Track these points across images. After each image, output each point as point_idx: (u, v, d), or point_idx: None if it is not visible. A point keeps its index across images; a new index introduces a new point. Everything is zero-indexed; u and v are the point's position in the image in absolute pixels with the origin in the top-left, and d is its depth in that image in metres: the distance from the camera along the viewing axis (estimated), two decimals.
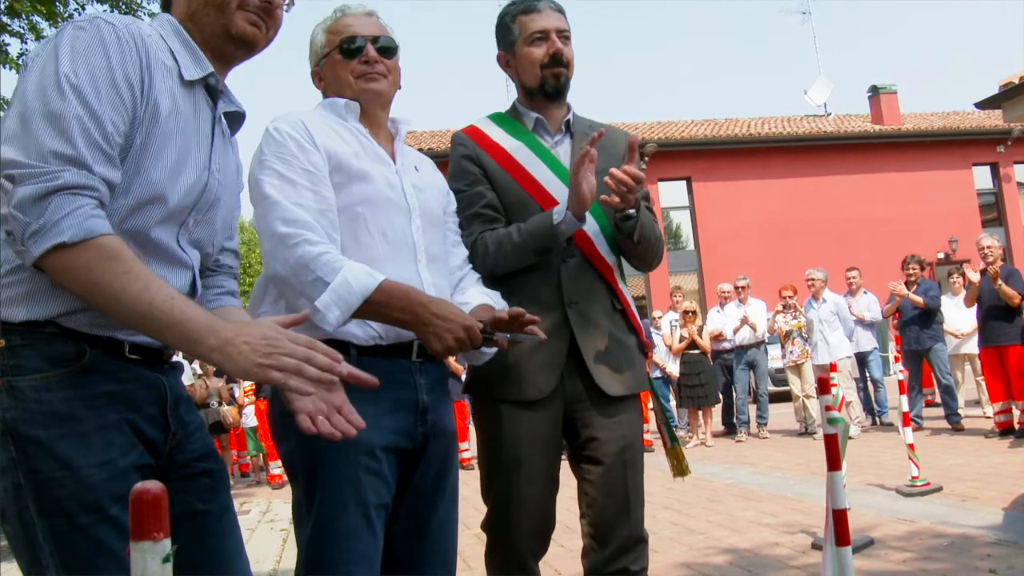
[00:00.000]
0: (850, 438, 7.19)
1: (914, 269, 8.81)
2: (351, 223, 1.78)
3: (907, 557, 3.87)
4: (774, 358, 11.15)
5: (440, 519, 1.87)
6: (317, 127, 1.80)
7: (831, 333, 8.97)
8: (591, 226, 2.16)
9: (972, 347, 8.67)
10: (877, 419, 9.52)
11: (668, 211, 21.06)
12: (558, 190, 2.17)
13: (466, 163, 2.21)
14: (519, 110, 2.29)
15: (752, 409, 10.18)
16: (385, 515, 1.76)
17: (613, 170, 2.02)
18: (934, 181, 21.43)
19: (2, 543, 5.71)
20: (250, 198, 1.78)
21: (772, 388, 11.13)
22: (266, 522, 6.77)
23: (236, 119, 1.63)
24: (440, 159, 2.04)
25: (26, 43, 7.56)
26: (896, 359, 6.50)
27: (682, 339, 9.69)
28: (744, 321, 9.78)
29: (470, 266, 2.08)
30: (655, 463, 4.20)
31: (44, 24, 7.39)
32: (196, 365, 12.61)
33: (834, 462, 2.40)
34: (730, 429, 10.12)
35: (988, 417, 8.32)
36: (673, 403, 10.41)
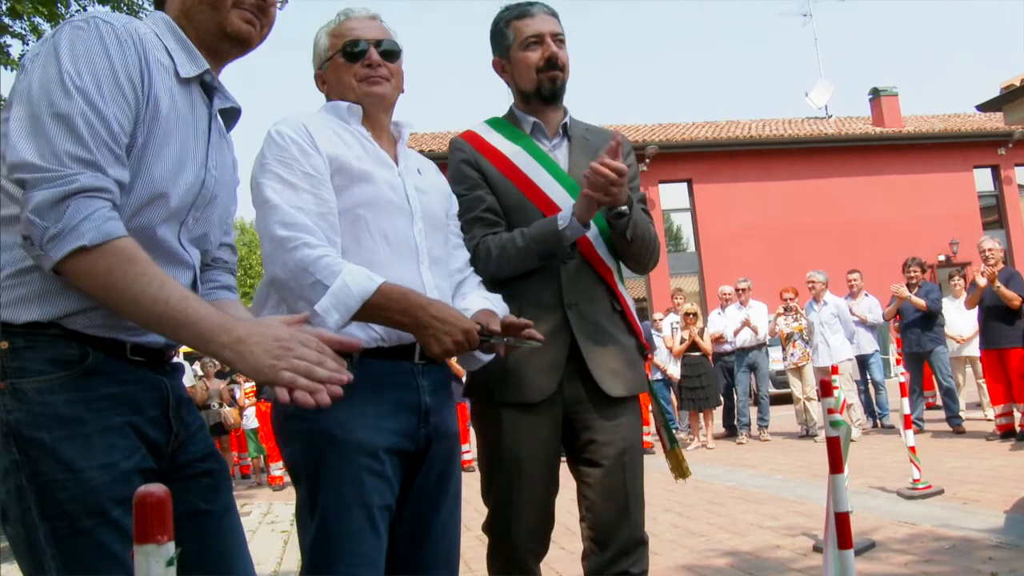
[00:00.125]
0: (852, 441, 7.17)
1: (915, 272, 8.81)
2: (352, 225, 1.78)
3: (908, 560, 3.87)
4: (775, 360, 11.15)
5: (443, 520, 1.87)
6: (319, 130, 1.81)
7: (832, 335, 8.97)
8: (591, 229, 2.17)
9: (973, 350, 8.66)
10: (878, 422, 9.52)
11: (669, 213, 21.07)
12: (557, 194, 2.18)
13: (465, 167, 2.21)
14: (516, 115, 2.30)
15: (753, 411, 10.17)
16: (389, 517, 1.76)
17: (592, 164, 2.02)
18: (935, 183, 21.44)
19: (2, 544, 5.72)
20: (252, 201, 1.78)
21: (773, 390, 11.13)
22: (267, 524, 6.76)
23: (231, 115, 1.64)
24: (440, 160, 2.04)
25: (27, 44, 7.57)
26: (898, 361, 6.50)
27: (683, 341, 9.69)
28: (745, 323, 9.78)
29: (471, 269, 2.09)
30: (656, 465, 4.20)
31: (45, 25, 7.40)
32: (197, 367, 12.61)
33: (836, 465, 2.40)
34: (731, 431, 10.12)
35: (989, 420, 8.32)
36: (674, 405, 10.41)
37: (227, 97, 1.59)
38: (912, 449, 5.45)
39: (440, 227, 1.97)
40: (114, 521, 1.29)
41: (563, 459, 2.21)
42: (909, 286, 8.69)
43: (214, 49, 1.53)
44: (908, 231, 20.32)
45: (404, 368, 1.81)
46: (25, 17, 7.20)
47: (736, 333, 9.88)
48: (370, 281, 1.66)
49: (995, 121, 20.38)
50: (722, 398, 10.00)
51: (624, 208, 2.12)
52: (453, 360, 2.02)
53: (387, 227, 1.81)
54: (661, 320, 11.08)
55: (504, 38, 2.25)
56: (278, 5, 1.58)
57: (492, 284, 2.11)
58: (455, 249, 2.06)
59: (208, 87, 1.54)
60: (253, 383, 10.20)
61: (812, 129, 22.16)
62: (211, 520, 1.49)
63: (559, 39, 2.22)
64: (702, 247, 20.65)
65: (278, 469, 9.45)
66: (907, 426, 5.59)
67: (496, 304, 1.98)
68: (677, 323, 10.10)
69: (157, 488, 0.82)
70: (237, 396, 10.66)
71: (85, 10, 7.71)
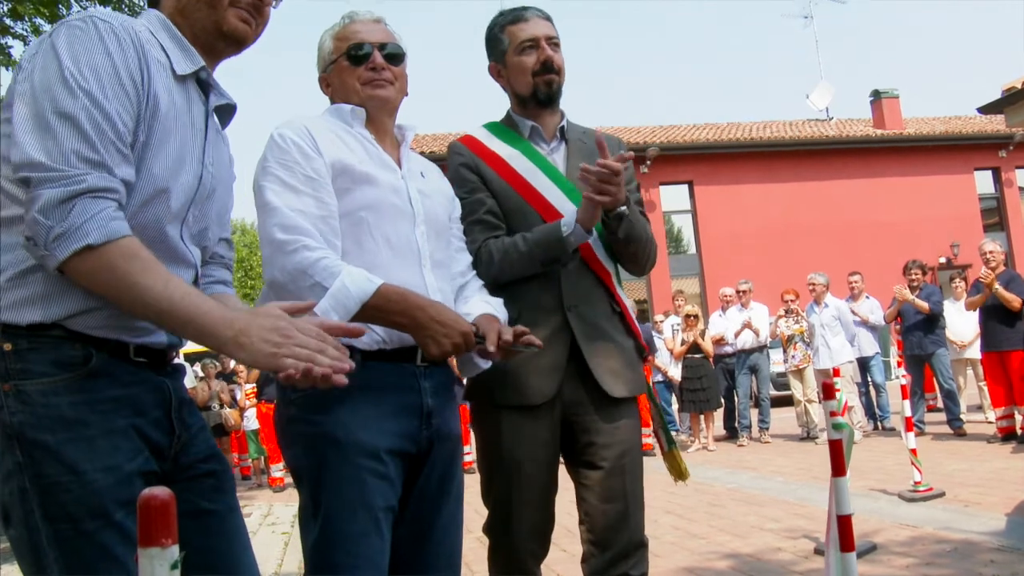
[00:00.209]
0: (854, 443, 7.17)
1: (916, 274, 8.80)
2: (355, 228, 1.79)
3: (910, 563, 3.86)
4: (776, 362, 11.14)
5: (444, 522, 1.87)
6: (322, 133, 1.81)
7: (833, 338, 8.97)
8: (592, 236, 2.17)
9: (974, 352, 8.66)
10: (879, 424, 9.51)
11: (670, 215, 21.07)
12: (556, 198, 2.19)
13: (464, 171, 2.22)
14: (514, 119, 2.31)
15: (754, 413, 10.17)
16: (392, 518, 1.76)
17: (584, 165, 2.02)
18: (936, 185, 21.44)
19: (2, 545, 5.72)
20: (254, 203, 1.78)
21: (774, 392, 11.14)
22: (267, 525, 6.76)
23: (227, 111, 1.64)
24: (442, 162, 2.04)
25: (29, 45, 7.56)
26: (899, 363, 6.49)
27: (684, 343, 9.69)
28: (747, 325, 9.77)
29: (473, 273, 2.09)
30: (656, 467, 4.18)
31: (47, 27, 7.39)
32: (197, 368, 12.63)
33: (839, 468, 2.39)
34: (732, 433, 10.11)
35: (990, 422, 8.32)
36: (675, 407, 10.40)
37: (222, 94, 1.59)
38: (913, 451, 5.45)
39: (443, 230, 1.97)
40: (117, 524, 1.29)
41: (561, 462, 2.21)
42: (911, 289, 8.68)
43: (210, 47, 1.53)
44: (909, 233, 20.32)
45: (406, 370, 1.81)
46: (26, 18, 7.21)
47: (737, 335, 9.88)
48: (369, 283, 1.67)
49: (996, 123, 20.39)
50: (723, 400, 10.00)
51: (622, 209, 2.13)
52: (454, 363, 2.03)
53: (389, 230, 1.82)
54: (662, 322, 11.09)
55: (499, 43, 2.26)
56: (272, 4, 1.59)
57: (492, 287, 2.11)
58: (458, 253, 2.06)
59: (203, 84, 1.55)
60: (254, 385, 10.21)
61: (813, 131, 22.16)
62: (215, 520, 1.49)
63: (554, 43, 2.23)
64: (703, 249, 20.64)
65: (279, 470, 9.45)
66: (908, 428, 5.59)
67: (498, 309, 1.99)
68: (678, 325, 10.11)
69: (161, 491, 0.82)
70: (238, 397, 10.66)
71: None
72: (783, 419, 11.15)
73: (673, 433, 10.63)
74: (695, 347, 9.61)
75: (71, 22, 1.35)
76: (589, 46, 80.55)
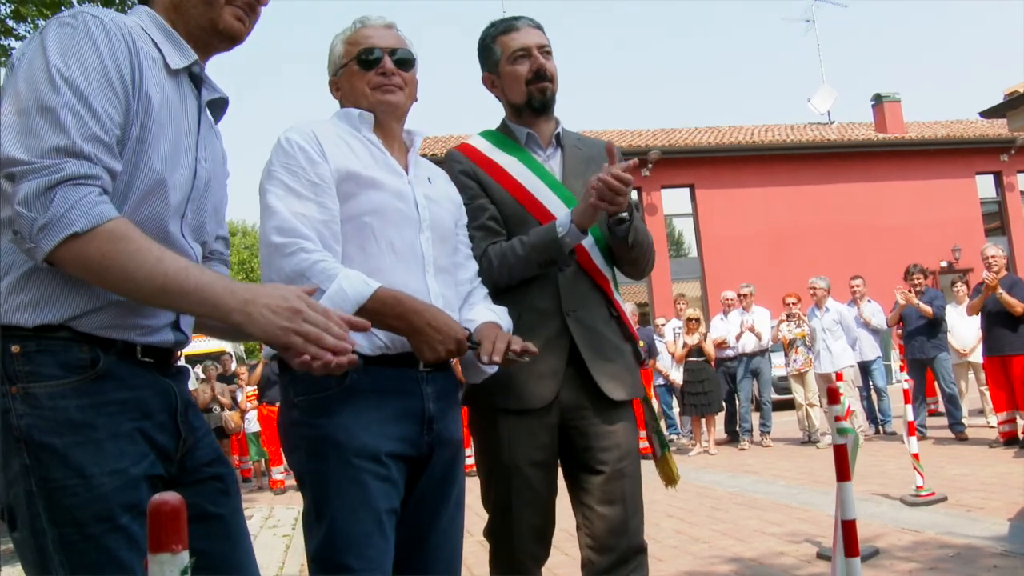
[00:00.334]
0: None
1: (919, 279, 8.80)
2: (359, 233, 1.79)
3: (913, 568, 3.86)
4: (777, 366, 11.12)
5: (443, 527, 1.87)
6: (328, 138, 1.81)
7: (834, 342, 8.96)
8: (587, 238, 2.18)
9: (976, 356, 8.64)
10: (881, 428, 9.50)
11: (671, 218, 21.07)
12: (554, 204, 2.20)
13: (464, 178, 2.23)
14: (510, 127, 2.32)
15: (755, 417, 10.16)
16: (395, 520, 1.76)
17: (601, 176, 2.02)
18: (937, 190, 21.44)
19: (2, 547, 5.71)
20: (259, 207, 1.78)
21: (775, 396, 11.11)
22: (268, 528, 6.76)
23: (219, 106, 1.64)
24: (443, 163, 2.04)
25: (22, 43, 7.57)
26: (902, 368, 6.48)
27: (685, 346, 9.68)
28: (749, 329, 9.77)
29: (479, 280, 2.09)
30: (656, 470, 4.19)
31: None
32: (198, 369, 12.62)
33: (843, 472, 2.39)
34: (733, 437, 10.10)
35: (992, 427, 8.30)
36: (676, 410, 10.39)
37: (214, 88, 1.60)
38: (915, 456, 5.44)
39: (448, 236, 1.97)
40: (122, 528, 1.29)
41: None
42: (915, 293, 8.67)
43: (203, 43, 1.54)
44: (910, 237, 20.32)
45: (409, 375, 1.81)
46: (29, 20, 7.22)
47: (738, 338, 9.87)
48: (366, 286, 1.67)
49: (997, 127, 20.40)
50: (724, 404, 9.99)
51: (625, 214, 2.14)
52: (458, 367, 2.02)
53: (393, 235, 1.82)
54: (664, 325, 11.08)
55: (492, 54, 2.28)
56: (263, 2, 1.59)
57: (493, 293, 2.12)
58: (465, 260, 2.06)
59: (196, 78, 1.55)
60: (255, 387, 10.20)
61: (815, 135, 22.18)
62: (220, 524, 1.49)
63: (546, 51, 2.24)
64: (704, 252, 20.64)
65: (279, 473, 9.45)
66: (911, 433, 5.58)
67: (501, 317, 1.99)
68: (680, 328, 10.10)
69: (172, 497, 0.82)
70: (239, 399, 10.66)
71: None
72: (784, 423, 11.14)
73: (675, 436, 10.69)
74: (697, 350, 9.60)
75: (61, 18, 1.35)
76: (589, 49, 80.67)
